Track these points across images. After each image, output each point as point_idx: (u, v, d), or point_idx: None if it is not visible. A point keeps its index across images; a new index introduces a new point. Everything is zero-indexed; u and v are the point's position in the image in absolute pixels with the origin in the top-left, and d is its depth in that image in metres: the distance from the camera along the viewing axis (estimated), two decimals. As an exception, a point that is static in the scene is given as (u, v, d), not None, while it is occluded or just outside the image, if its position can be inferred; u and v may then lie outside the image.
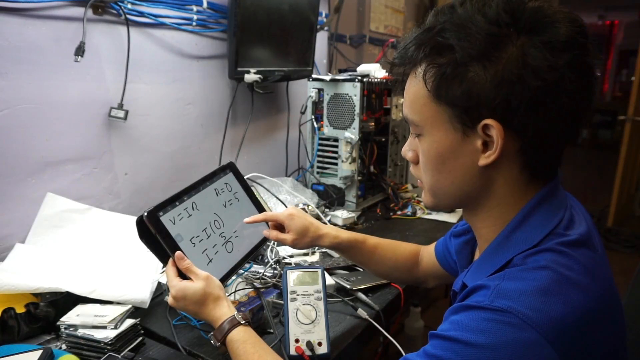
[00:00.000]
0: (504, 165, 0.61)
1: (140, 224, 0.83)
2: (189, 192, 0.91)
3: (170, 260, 0.84)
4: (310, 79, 1.77)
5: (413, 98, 0.65)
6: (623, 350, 0.62)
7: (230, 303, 0.83)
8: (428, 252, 1.02)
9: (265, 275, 1.19)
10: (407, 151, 0.72)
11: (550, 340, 0.51)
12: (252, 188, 1.07)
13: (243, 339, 0.77)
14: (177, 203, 0.88)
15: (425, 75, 0.61)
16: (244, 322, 0.79)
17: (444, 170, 0.65)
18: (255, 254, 1.16)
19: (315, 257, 1.34)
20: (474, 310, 0.56)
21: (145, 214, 0.82)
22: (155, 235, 0.83)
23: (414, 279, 1.06)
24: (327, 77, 1.71)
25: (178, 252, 0.83)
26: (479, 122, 0.59)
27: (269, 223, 1.01)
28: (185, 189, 0.91)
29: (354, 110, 1.65)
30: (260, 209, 1.04)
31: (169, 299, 0.84)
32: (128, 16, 1.32)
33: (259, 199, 1.07)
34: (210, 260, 0.90)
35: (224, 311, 0.80)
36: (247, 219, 0.98)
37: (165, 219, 0.84)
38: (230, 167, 1.02)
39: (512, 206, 0.64)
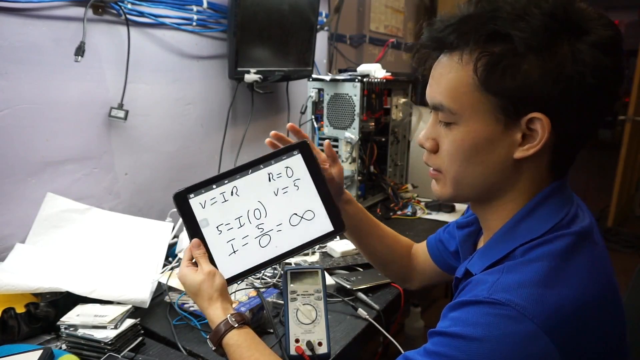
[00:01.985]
0: (536, 159, 0.62)
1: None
2: (233, 174, 0.81)
3: (189, 244, 0.81)
4: (310, 79, 1.77)
5: (453, 85, 0.62)
6: (623, 344, 0.63)
7: (227, 304, 0.79)
8: (422, 249, 1.01)
9: (265, 275, 1.19)
10: (425, 139, 0.68)
11: (547, 331, 0.52)
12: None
13: (237, 342, 0.74)
14: (215, 186, 0.81)
15: (476, 63, 0.59)
16: (237, 324, 0.75)
17: (475, 162, 0.64)
18: (299, 253, 0.95)
19: (315, 257, 1.34)
20: (472, 305, 0.56)
21: (175, 193, 0.79)
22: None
23: (403, 272, 1.02)
24: (327, 77, 1.71)
25: (195, 240, 0.80)
26: (525, 114, 0.59)
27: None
28: (232, 169, 0.82)
29: (354, 110, 1.65)
30: (329, 202, 0.85)
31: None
32: (128, 16, 1.32)
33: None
34: (234, 252, 0.82)
35: (217, 313, 0.76)
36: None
37: (195, 202, 0.80)
38: (301, 148, 0.84)
39: (525, 200, 0.65)
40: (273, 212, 0.83)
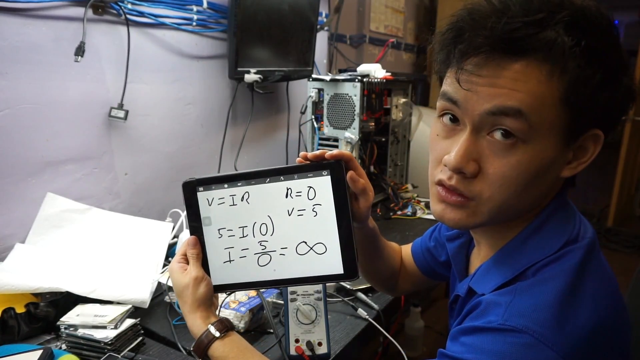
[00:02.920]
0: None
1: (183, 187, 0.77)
2: (248, 178, 0.73)
3: (185, 241, 0.78)
4: (310, 79, 1.77)
5: (539, 94, 0.53)
6: (629, 351, 0.62)
7: (209, 313, 0.73)
8: (406, 256, 0.98)
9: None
10: (467, 161, 0.56)
11: (566, 357, 0.50)
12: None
13: (224, 354, 0.70)
14: (227, 185, 0.74)
15: (563, 75, 0.52)
16: (220, 333, 0.70)
17: (534, 185, 0.57)
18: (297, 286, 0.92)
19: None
20: (487, 332, 0.54)
21: (185, 181, 0.75)
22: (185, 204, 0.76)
23: (392, 283, 0.98)
24: (327, 77, 1.71)
25: (193, 238, 0.76)
26: (588, 131, 0.56)
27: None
28: (249, 172, 0.74)
29: (354, 110, 1.65)
30: (347, 242, 0.71)
31: None
32: (128, 16, 1.32)
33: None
34: (229, 261, 0.76)
35: (196, 324, 0.71)
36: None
37: (202, 196, 0.75)
38: (332, 169, 0.71)
39: (533, 214, 0.62)
40: (280, 233, 0.74)
